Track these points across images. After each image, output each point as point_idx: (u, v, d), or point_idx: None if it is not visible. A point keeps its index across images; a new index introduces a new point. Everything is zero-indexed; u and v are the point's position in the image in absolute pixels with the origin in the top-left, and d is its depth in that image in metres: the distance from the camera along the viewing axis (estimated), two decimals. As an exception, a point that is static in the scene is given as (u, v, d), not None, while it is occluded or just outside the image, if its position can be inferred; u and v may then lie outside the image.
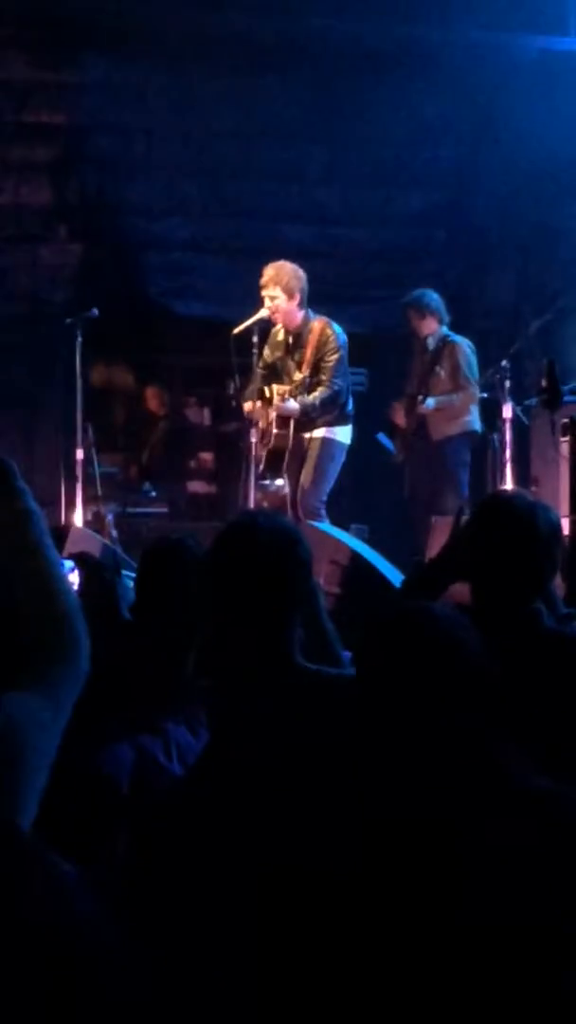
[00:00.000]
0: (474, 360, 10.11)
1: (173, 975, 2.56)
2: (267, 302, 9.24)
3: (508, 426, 9.43)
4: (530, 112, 11.51)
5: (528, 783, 2.54)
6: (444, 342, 10.27)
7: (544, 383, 8.47)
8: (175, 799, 3.18)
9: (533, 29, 11.60)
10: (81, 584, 4.70)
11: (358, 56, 11.58)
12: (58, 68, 11.61)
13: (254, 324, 9.23)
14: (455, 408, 10.09)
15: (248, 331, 9.23)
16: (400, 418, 10.61)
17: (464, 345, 10.19)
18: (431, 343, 10.36)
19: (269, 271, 9.27)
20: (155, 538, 5.14)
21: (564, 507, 8.23)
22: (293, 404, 9.26)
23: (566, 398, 8.72)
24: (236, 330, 9.24)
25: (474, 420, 10.03)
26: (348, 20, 11.38)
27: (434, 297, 10.40)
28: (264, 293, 9.24)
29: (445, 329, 10.35)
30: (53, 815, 2.42)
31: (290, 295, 9.24)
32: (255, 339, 9.25)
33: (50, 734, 2.43)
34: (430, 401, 10.17)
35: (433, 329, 10.38)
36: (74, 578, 4.74)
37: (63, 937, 1.65)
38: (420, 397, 10.27)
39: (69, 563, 4.82)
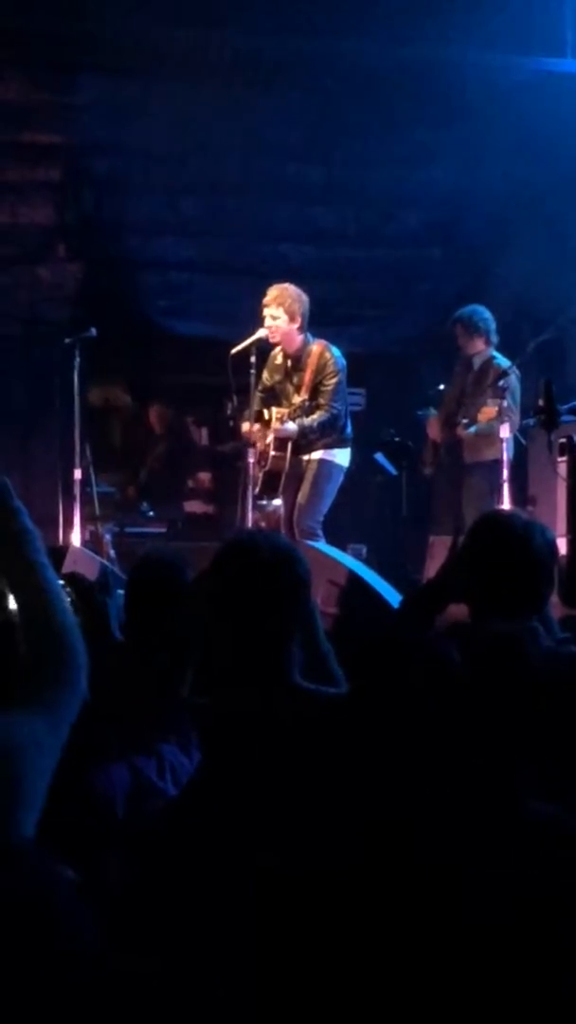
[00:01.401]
0: (518, 387, 9.82)
1: (170, 990, 2.56)
2: (267, 320, 9.24)
3: (507, 446, 9.39)
4: (526, 132, 11.54)
5: (531, 809, 2.56)
6: (490, 365, 10.09)
7: (541, 402, 8.46)
8: (169, 820, 3.17)
9: (529, 50, 11.62)
10: (72, 604, 4.70)
11: (356, 76, 11.60)
12: (57, 88, 11.62)
13: (252, 344, 9.23)
14: (493, 435, 9.75)
15: (246, 351, 9.23)
16: (435, 432, 10.47)
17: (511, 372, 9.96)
18: (476, 363, 10.23)
19: (273, 291, 9.26)
20: (142, 557, 5.14)
21: (561, 527, 8.23)
22: (292, 426, 9.26)
23: (563, 418, 8.71)
24: (234, 350, 9.24)
25: (509, 448, 9.73)
26: (347, 41, 11.40)
27: (485, 316, 10.21)
28: (266, 312, 9.24)
29: (493, 351, 10.18)
30: (48, 835, 2.42)
31: (291, 317, 9.24)
32: (253, 359, 9.24)
33: (49, 755, 2.43)
34: (473, 428, 10.02)
35: (480, 349, 10.20)
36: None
37: (53, 940, 1.65)
38: (464, 421, 10.11)
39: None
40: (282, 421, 9.29)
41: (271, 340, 9.34)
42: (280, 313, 9.23)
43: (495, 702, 2.71)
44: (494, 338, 10.22)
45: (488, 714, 2.68)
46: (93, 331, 10.01)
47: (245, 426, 9.39)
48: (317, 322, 9.55)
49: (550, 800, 2.68)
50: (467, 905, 2.39)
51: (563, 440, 8.55)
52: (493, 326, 10.23)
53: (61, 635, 2.61)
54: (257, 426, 9.37)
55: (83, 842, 3.31)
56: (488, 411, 9.82)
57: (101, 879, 3.23)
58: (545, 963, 2.38)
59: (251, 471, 9.32)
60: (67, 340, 10.14)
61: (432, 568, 9.03)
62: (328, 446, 9.36)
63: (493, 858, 2.45)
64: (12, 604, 2.72)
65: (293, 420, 9.27)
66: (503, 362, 9.94)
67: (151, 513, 12.47)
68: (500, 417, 9.47)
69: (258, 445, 9.37)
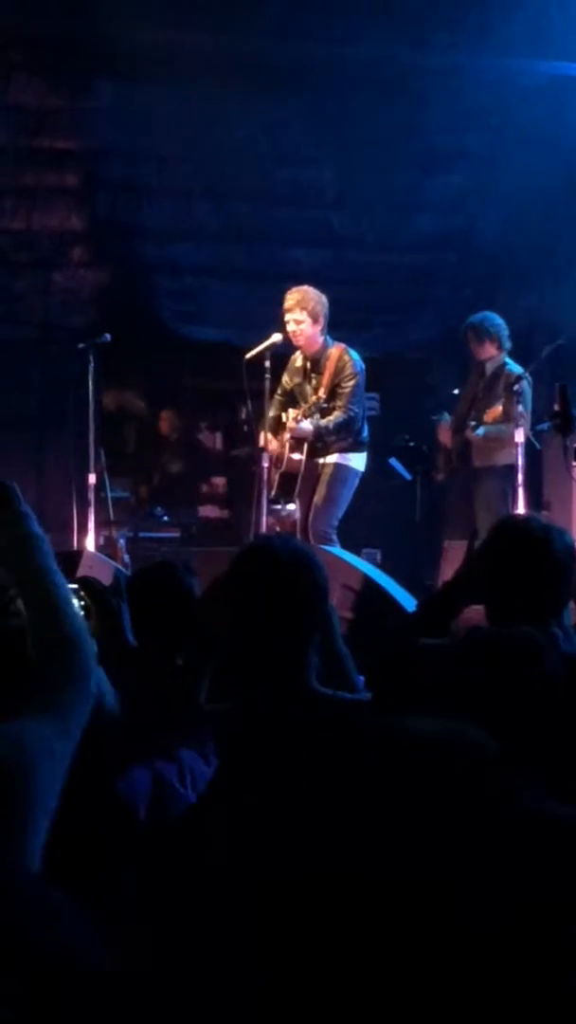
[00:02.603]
0: (529, 393, 9.74)
1: (180, 996, 2.55)
2: (291, 325, 9.24)
3: (520, 451, 9.36)
4: (542, 136, 11.53)
5: (539, 807, 2.55)
6: (502, 371, 10.03)
7: (556, 407, 8.45)
8: (190, 827, 3.17)
9: (544, 55, 11.61)
10: (85, 609, 4.69)
11: (370, 80, 11.60)
12: (71, 93, 11.63)
13: (267, 349, 9.23)
14: (503, 439, 9.72)
15: (261, 356, 9.23)
16: (446, 437, 10.44)
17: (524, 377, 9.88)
18: (489, 368, 10.19)
19: (295, 295, 9.27)
20: (138, 568, 5.16)
21: (577, 531, 8.20)
22: (307, 425, 9.25)
23: (578, 422, 8.69)
24: (249, 355, 9.24)
25: (520, 454, 9.67)
26: (360, 44, 11.40)
27: (497, 323, 10.16)
28: (289, 316, 9.24)
29: (505, 357, 10.12)
30: (69, 842, 2.41)
31: (315, 319, 9.26)
32: (268, 364, 9.25)
33: (59, 759, 2.42)
34: (481, 429, 9.96)
35: (492, 355, 10.13)
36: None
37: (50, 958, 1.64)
38: (472, 423, 10.08)
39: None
40: (297, 420, 9.29)
41: (295, 344, 9.35)
42: (304, 316, 9.24)
43: (507, 702, 2.69)
44: (507, 344, 10.18)
45: (499, 714, 2.66)
46: (108, 336, 10.02)
47: (263, 438, 9.38)
48: (332, 326, 9.55)
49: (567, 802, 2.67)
50: (472, 912, 2.38)
51: (578, 445, 8.54)
52: (505, 332, 10.19)
53: (70, 639, 2.60)
54: (274, 443, 9.37)
55: (104, 849, 3.29)
56: (494, 411, 9.81)
57: (120, 886, 3.22)
58: (551, 966, 2.37)
59: (266, 476, 9.32)
60: (82, 345, 10.14)
61: (447, 573, 9.02)
62: (344, 450, 9.35)
63: (498, 863, 2.44)
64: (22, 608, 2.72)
65: (308, 419, 9.27)
66: (515, 368, 9.91)
67: (165, 518, 12.48)
68: (511, 420, 9.45)
69: (274, 449, 9.37)
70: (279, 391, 9.47)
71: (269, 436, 9.37)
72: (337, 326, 9.78)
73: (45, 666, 2.57)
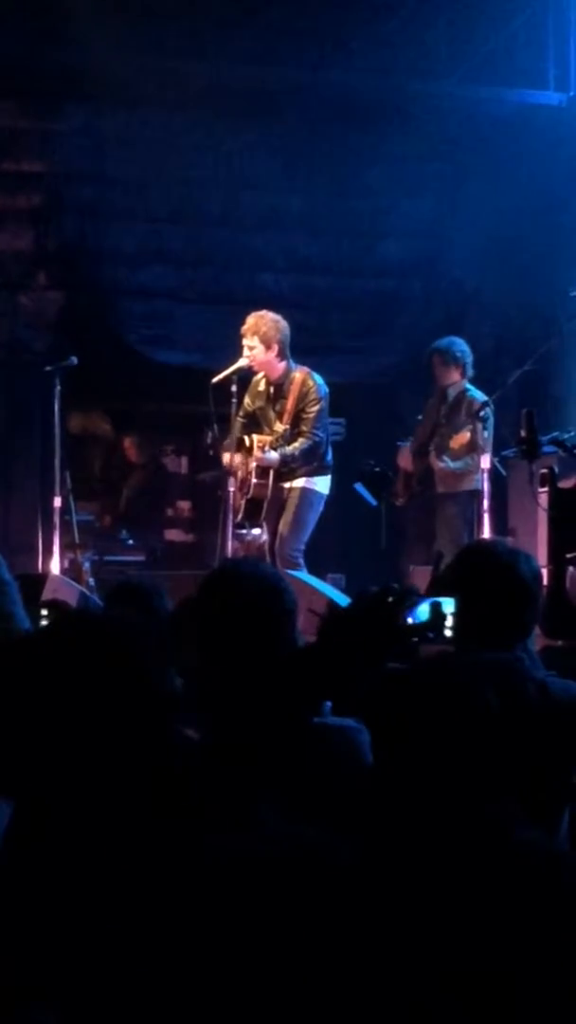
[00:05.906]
0: (492, 420, 9.59)
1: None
2: (245, 351, 9.25)
3: (486, 476, 9.37)
4: (508, 165, 11.59)
5: (522, 837, 2.55)
6: (464, 397, 10.04)
7: (523, 433, 8.46)
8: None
9: (512, 83, 11.68)
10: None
11: (338, 107, 11.65)
12: (40, 116, 11.64)
13: (233, 373, 9.23)
14: (470, 469, 9.76)
15: (227, 380, 9.23)
16: (405, 461, 10.43)
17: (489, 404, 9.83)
18: (451, 394, 10.18)
19: (250, 320, 9.26)
20: (117, 584, 5.15)
21: (542, 557, 8.23)
22: (273, 455, 9.26)
23: (544, 448, 8.72)
24: (215, 379, 9.24)
25: (481, 480, 9.44)
26: (328, 71, 11.46)
27: (463, 348, 10.17)
28: (244, 342, 9.24)
29: (467, 383, 10.13)
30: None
31: (268, 345, 9.22)
32: (234, 388, 9.25)
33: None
34: (450, 464, 9.98)
35: (455, 380, 10.13)
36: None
37: None
38: (436, 451, 10.07)
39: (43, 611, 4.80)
40: (264, 450, 9.29)
41: (252, 368, 9.35)
42: (256, 342, 9.22)
43: (492, 731, 2.69)
44: (470, 371, 10.18)
45: (484, 743, 2.65)
46: (74, 359, 9.98)
47: (226, 457, 9.39)
48: (298, 351, 9.55)
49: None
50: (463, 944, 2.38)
51: (544, 471, 8.55)
52: (470, 359, 10.20)
53: None
54: (238, 457, 9.38)
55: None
56: (460, 437, 9.79)
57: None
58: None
59: (231, 500, 9.32)
60: (48, 368, 10.10)
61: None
62: (309, 474, 9.36)
63: (487, 890, 2.44)
64: None
65: (275, 448, 9.27)
66: (477, 394, 9.93)
67: (130, 541, 12.46)
68: (477, 448, 9.45)
69: (239, 473, 9.37)
70: (240, 413, 9.46)
71: (231, 457, 9.36)
72: (304, 351, 9.78)
73: None
